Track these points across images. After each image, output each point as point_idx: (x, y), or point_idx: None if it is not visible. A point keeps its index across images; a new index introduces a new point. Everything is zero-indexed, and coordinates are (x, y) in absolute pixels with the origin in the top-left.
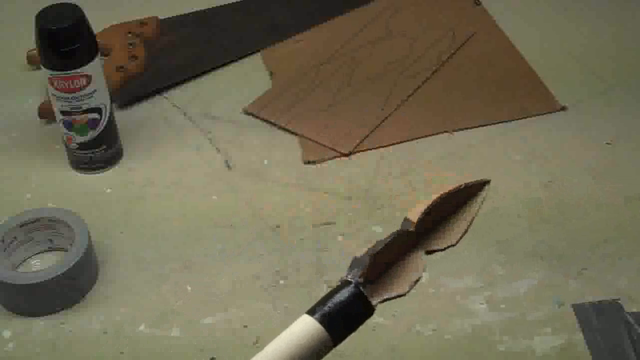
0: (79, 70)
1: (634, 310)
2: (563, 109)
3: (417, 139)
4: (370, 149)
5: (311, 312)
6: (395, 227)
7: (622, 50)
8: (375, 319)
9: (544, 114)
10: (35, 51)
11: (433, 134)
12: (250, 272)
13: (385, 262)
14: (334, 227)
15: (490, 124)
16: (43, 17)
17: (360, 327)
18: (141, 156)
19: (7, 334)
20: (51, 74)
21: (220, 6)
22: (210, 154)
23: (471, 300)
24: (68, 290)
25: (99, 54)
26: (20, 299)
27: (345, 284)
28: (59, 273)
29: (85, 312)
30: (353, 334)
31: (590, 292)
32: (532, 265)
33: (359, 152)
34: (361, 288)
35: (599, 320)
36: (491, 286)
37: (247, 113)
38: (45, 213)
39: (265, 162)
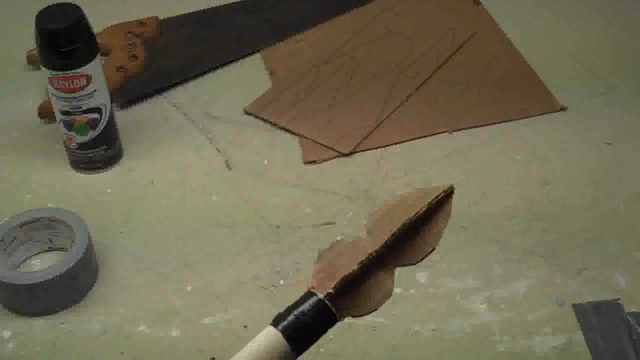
0: (79, 70)
1: (634, 310)
2: (563, 109)
3: (417, 139)
4: (370, 149)
5: (275, 322)
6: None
7: (622, 50)
8: (375, 319)
9: (544, 114)
10: (35, 51)
11: (433, 134)
12: (250, 272)
13: (353, 278)
14: (334, 227)
15: (490, 124)
16: (43, 17)
17: (360, 327)
18: (141, 156)
19: (7, 334)
20: (51, 74)
21: (220, 6)
22: (211, 154)
23: (471, 300)
24: (68, 290)
25: (99, 54)
26: (20, 299)
27: (310, 294)
28: (59, 273)
29: (85, 312)
30: (352, 335)
31: (590, 292)
32: (532, 265)
33: (359, 152)
34: (327, 302)
35: (599, 320)
36: (491, 286)
37: (247, 113)
38: (45, 213)
39: (265, 162)
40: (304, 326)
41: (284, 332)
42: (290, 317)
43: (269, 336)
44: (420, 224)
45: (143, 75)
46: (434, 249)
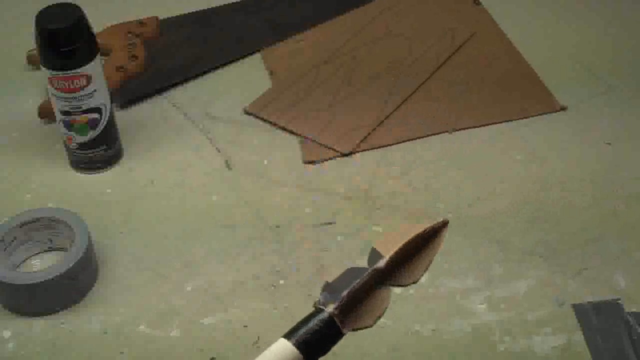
0: (79, 70)
1: (634, 310)
2: (563, 109)
3: (417, 139)
4: (370, 149)
5: (288, 336)
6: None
7: (622, 50)
8: None
9: (544, 114)
10: (35, 51)
11: (433, 134)
12: (250, 272)
13: (355, 294)
14: (334, 227)
15: (490, 124)
16: (43, 17)
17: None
18: (141, 156)
19: (7, 334)
20: (51, 74)
21: (220, 6)
22: (210, 154)
23: (471, 300)
24: (68, 290)
25: (99, 54)
26: (20, 299)
27: (319, 311)
28: (59, 273)
29: (85, 312)
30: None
31: (590, 291)
32: (532, 265)
33: (359, 152)
34: (335, 319)
35: (599, 320)
36: (491, 286)
37: (247, 113)
38: (45, 213)
39: (265, 162)
40: (314, 340)
41: (296, 344)
42: (302, 331)
43: (283, 348)
44: (416, 250)
45: (143, 75)
46: (422, 274)
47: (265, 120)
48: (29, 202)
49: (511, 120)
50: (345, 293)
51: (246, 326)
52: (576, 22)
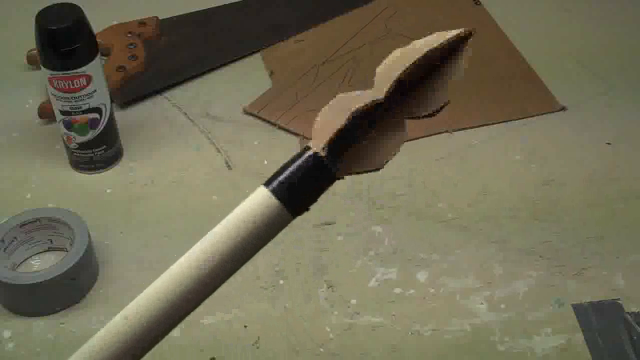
0: (79, 70)
1: (634, 310)
2: (563, 109)
3: (417, 139)
4: None
5: (267, 182)
6: (396, 227)
7: (623, 50)
8: (375, 319)
9: (544, 114)
10: (35, 51)
11: (433, 134)
12: (250, 272)
13: (356, 133)
14: (334, 227)
15: (490, 124)
16: (43, 17)
17: (360, 327)
18: (141, 156)
19: (7, 334)
20: (51, 74)
21: (220, 6)
22: (211, 153)
23: (471, 300)
24: (68, 290)
25: (99, 54)
26: (20, 299)
27: (304, 150)
28: (59, 273)
29: (85, 312)
30: (352, 335)
31: (589, 292)
32: (532, 265)
33: None
34: (321, 154)
35: (599, 320)
36: (491, 286)
37: (247, 113)
38: (45, 213)
39: (265, 162)
40: (298, 184)
41: (275, 191)
42: (283, 176)
43: (260, 197)
44: (429, 70)
45: (143, 75)
46: (448, 101)
47: (265, 120)
48: (29, 202)
49: (511, 120)
50: (333, 131)
51: (246, 326)
52: (576, 22)
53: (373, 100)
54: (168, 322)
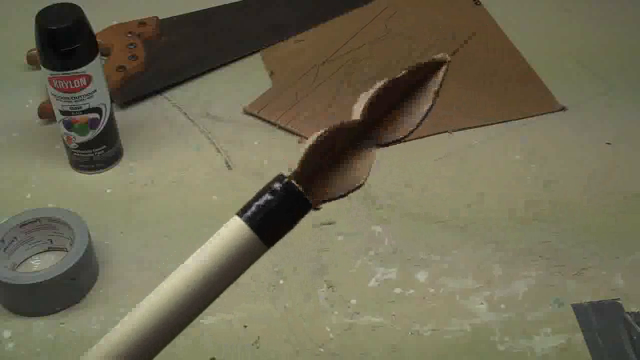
0: (79, 70)
1: (634, 310)
2: (563, 109)
3: (417, 138)
4: None
5: (241, 212)
6: (396, 227)
7: (623, 50)
8: (375, 319)
9: (544, 114)
10: (35, 51)
11: (433, 134)
12: (250, 272)
13: (328, 157)
14: (334, 227)
15: (490, 124)
16: (43, 17)
17: (360, 327)
18: (141, 156)
19: (7, 334)
20: (51, 74)
21: (220, 6)
22: (211, 153)
23: (471, 300)
24: (68, 290)
25: (99, 54)
26: (20, 299)
27: (277, 179)
28: (59, 273)
29: (85, 312)
30: (352, 335)
31: (589, 292)
32: (532, 265)
33: None
34: (294, 182)
35: (599, 320)
36: (490, 286)
37: (247, 113)
38: (45, 213)
39: (265, 162)
40: (272, 213)
41: (249, 221)
42: (255, 205)
43: (234, 228)
44: (403, 96)
45: (143, 75)
46: (420, 122)
47: (265, 120)
48: (29, 202)
49: (511, 120)
50: (304, 150)
51: (246, 326)
52: (576, 22)
53: (347, 122)
54: (145, 352)
